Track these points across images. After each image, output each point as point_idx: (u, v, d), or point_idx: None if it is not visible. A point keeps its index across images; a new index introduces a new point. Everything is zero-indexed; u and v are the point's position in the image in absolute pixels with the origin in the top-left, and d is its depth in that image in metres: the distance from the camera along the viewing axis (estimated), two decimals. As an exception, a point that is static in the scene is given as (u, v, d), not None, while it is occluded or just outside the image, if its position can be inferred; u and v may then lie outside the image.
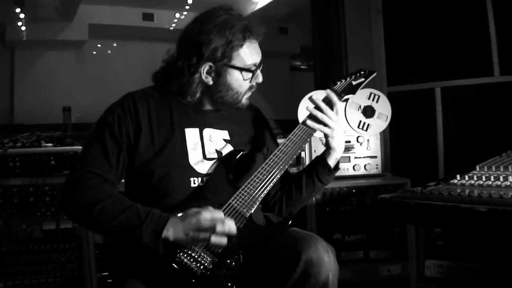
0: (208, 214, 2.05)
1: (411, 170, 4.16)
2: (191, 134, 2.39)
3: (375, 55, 4.82)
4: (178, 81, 2.38)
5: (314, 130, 2.42)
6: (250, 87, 2.45)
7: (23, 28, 6.92)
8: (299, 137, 2.39)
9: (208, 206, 2.11)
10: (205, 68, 2.33)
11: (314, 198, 3.72)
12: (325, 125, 2.42)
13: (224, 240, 2.06)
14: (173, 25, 7.55)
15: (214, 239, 2.04)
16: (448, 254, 3.81)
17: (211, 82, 2.36)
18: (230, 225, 2.06)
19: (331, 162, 2.52)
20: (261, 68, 2.44)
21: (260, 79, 2.45)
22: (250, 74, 2.39)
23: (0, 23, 6.94)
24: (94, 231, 2.76)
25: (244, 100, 2.46)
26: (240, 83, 2.39)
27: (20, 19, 6.85)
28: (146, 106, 2.36)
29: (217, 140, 2.44)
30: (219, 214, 2.08)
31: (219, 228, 2.02)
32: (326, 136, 2.46)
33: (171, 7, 7.36)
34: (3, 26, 6.96)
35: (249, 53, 2.36)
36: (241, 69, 2.36)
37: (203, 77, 2.34)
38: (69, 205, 2.19)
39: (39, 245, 3.60)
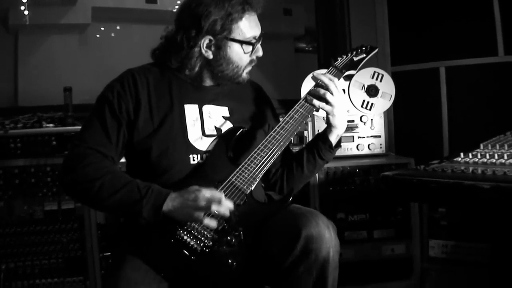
0: (208, 193, 2.06)
1: (416, 150, 4.14)
2: (191, 110, 2.38)
3: (379, 34, 4.79)
4: (177, 55, 2.37)
5: (314, 107, 2.41)
6: (251, 61, 2.44)
7: (26, 12, 6.89)
8: (299, 113, 2.39)
9: (211, 186, 2.12)
10: (204, 41, 2.32)
11: (317, 178, 3.72)
12: (326, 102, 2.41)
13: (215, 224, 2.09)
14: (177, 7, 7.50)
15: (207, 221, 2.07)
16: (452, 234, 3.81)
17: (211, 56, 2.35)
18: (226, 208, 2.08)
19: (333, 139, 2.51)
20: (260, 41, 2.43)
21: (260, 52, 2.44)
22: (250, 47, 2.38)
23: (3, 7, 6.92)
24: (94, 207, 2.76)
25: (245, 74, 2.45)
26: (240, 56, 2.38)
27: (23, 3, 6.82)
28: (146, 82, 2.36)
29: (216, 117, 2.43)
30: (219, 194, 2.08)
31: (213, 207, 2.04)
32: (327, 113, 2.44)
33: (174, -11, 7.35)
34: (6, 10, 6.93)
35: (248, 26, 2.36)
36: (241, 42, 2.35)
37: (203, 51, 2.34)
38: (69, 182, 2.20)
39: (41, 226, 3.60)
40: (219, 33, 2.31)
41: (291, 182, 2.60)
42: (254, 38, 2.38)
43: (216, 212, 2.06)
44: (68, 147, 2.30)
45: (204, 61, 2.38)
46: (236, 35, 2.33)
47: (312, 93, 2.44)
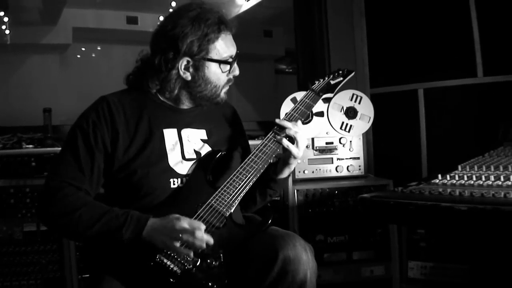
0: (185, 224, 2.06)
1: (395, 171, 4.16)
2: (170, 135, 2.39)
3: (358, 57, 4.82)
4: (155, 78, 2.39)
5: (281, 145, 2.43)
6: (228, 81, 2.47)
7: (7, 31, 6.87)
8: (272, 142, 2.40)
9: (191, 209, 2.16)
10: (182, 63, 2.34)
11: (296, 199, 3.76)
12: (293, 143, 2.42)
13: (190, 253, 2.08)
14: (156, 28, 7.49)
15: (182, 250, 2.06)
16: (431, 255, 3.81)
17: (189, 78, 2.37)
18: (202, 240, 2.06)
19: (284, 176, 2.59)
20: (236, 60, 2.45)
21: (237, 71, 2.47)
22: (227, 66, 2.41)
23: (-17, 27, 6.91)
24: (75, 240, 2.73)
25: (223, 94, 2.47)
26: (218, 76, 2.40)
27: (4, 23, 6.80)
28: (122, 109, 2.35)
29: (195, 140, 2.44)
30: (196, 224, 2.08)
31: (184, 237, 2.04)
32: (290, 155, 2.45)
33: (155, 10, 7.33)
34: (-14, 29, 6.93)
35: (225, 45, 2.38)
36: (219, 62, 2.37)
37: (181, 72, 2.35)
38: (48, 217, 2.18)
39: (20, 247, 3.58)
40: (196, 53, 2.32)
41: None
42: (231, 57, 2.41)
43: (188, 242, 2.05)
44: (44, 182, 2.28)
45: (182, 83, 2.39)
46: (213, 55, 2.36)
47: (280, 132, 2.44)
